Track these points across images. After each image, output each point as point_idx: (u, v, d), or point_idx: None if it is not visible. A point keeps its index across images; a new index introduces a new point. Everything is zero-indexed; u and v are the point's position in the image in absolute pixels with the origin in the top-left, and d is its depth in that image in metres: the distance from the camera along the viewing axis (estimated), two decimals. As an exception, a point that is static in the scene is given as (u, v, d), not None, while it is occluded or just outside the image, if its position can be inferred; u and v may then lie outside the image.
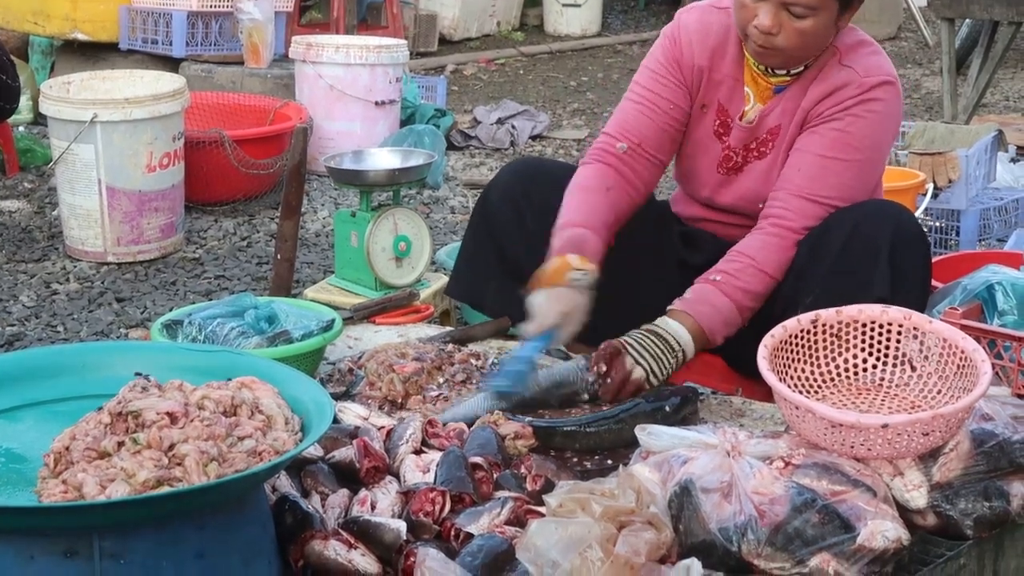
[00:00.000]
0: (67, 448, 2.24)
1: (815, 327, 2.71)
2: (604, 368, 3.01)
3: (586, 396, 3.04)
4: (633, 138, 3.27)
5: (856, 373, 2.72)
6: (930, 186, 5.22)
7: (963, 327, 2.99)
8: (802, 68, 3.18)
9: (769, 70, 3.20)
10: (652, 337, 3.04)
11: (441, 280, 4.43)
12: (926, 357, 2.67)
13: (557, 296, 3.02)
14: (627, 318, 3.13)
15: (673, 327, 3.05)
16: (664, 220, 3.46)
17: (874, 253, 3.03)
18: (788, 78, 3.20)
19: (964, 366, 2.59)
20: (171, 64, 7.30)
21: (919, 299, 3.10)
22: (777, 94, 3.22)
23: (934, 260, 3.96)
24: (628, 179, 3.27)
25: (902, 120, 3.24)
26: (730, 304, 3.06)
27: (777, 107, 3.22)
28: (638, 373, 3.00)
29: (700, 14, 3.30)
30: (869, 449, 2.45)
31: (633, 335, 3.05)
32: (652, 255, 3.39)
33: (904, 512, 2.45)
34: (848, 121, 3.12)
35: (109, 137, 5.18)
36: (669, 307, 3.10)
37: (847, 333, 2.72)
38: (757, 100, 3.25)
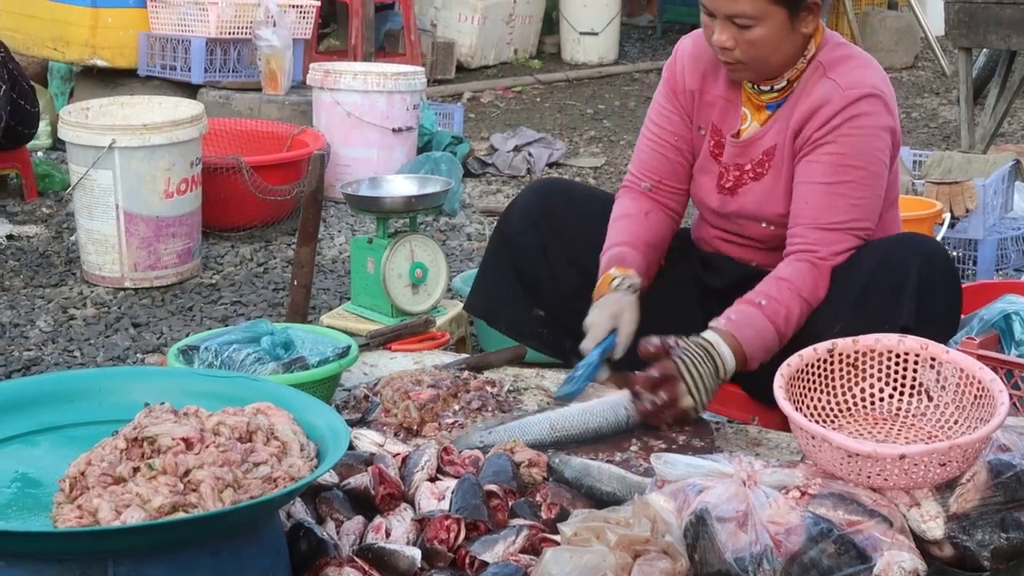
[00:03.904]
0: (83, 473, 2.25)
1: (831, 356, 2.71)
2: (654, 395, 2.98)
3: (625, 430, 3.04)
4: (654, 176, 3.39)
5: (873, 403, 2.72)
6: (947, 215, 5.22)
7: (980, 357, 2.98)
8: (785, 83, 3.21)
9: (755, 87, 3.24)
10: (707, 364, 2.98)
11: (457, 307, 4.43)
12: (943, 387, 2.67)
13: (604, 304, 3.17)
14: None
15: (724, 352, 3.00)
16: (684, 247, 3.48)
17: (901, 284, 3.02)
18: (775, 94, 3.23)
19: (981, 396, 2.58)
20: (189, 90, 7.33)
21: (945, 333, 3.09)
22: (771, 112, 3.25)
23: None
24: (661, 208, 3.40)
25: (897, 127, 3.20)
26: (772, 330, 3.04)
27: (772, 128, 3.24)
28: (687, 403, 2.97)
29: (694, 39, 3.37)
30: (886, 479, 2.45)
31: (689, 356, 2.98)
32: (675, 282, 3.41)
33: (921, 543, 2.44)
34: (839, 143, 3.12)
35: (127, 163, 5.19)
36: (715, 324, 3.05)
37: (864, 362, 2.71)
38: (754, 119, 3.28)
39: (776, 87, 3.22)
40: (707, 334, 3.03)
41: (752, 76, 3.19)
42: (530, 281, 3.44)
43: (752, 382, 3.26)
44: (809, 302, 3.08)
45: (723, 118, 3.31)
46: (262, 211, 6.03)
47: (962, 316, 3.59)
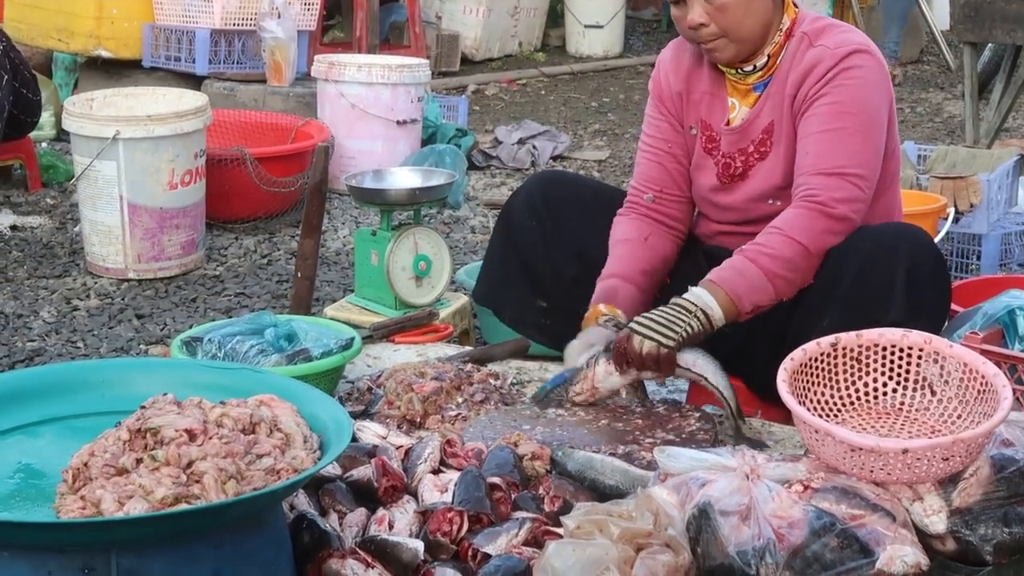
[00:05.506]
0: (86, 464, 2.25)
1: (835, 350, 2.71)
2: (624, 360, 3.08)
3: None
4: (655, 187, 3.44)
5: (876, 397, 2.72)
6: (951, 210, 5.20)
7: (984, 352, 2.98)
8: (766, 59, 3.24)
9: (738, 70, 3.27)
10: (662, 308, 3.07)
11: (461, 300, 4.43)
12: (946, 382, 2.67)
13: (585, 336, 3.21)
14: None
15: (692, 291, 3.07)
16: (688, 243, 3.48)
17: (890, 278, 3.02)
18: (760, 72, 3.27)
19: (984, 391, 2.58)
20: (194, 82, 7.32)
21: (936, 324, 3.09)
22: (759, 93, 3.28)
23: (955, 285, 3.95)
24: (664, 223, 3.43)
25: (891, 87, 3.24)
26: (755, 268, 3.06)
27: (765, 105, 3.27)
28: (647, 346, 3.02)
29: (673, 46, 3.48)
30: (889, 473, 2.45)
31: (639, 316, 3.10)
32: (681, 278, 3.41)
33: (923, 537, 2.44)
34: (834, 93, 3.15)
35: (131, 154, 5.19)
36: None
37: (867, 357, 2.71)
38: (743, 105, 3.32)
39: (759, 64, 3.25)
40: None
41: (734, 50, 3.22)
42: (532, 271, 3.46)
43: (755, 377, 3.27)
44: (800, 242, 3.07)
45: (710, 112, 3.36)
46: (266, 203, 6.03)
47: (965, 311, 3.59)
